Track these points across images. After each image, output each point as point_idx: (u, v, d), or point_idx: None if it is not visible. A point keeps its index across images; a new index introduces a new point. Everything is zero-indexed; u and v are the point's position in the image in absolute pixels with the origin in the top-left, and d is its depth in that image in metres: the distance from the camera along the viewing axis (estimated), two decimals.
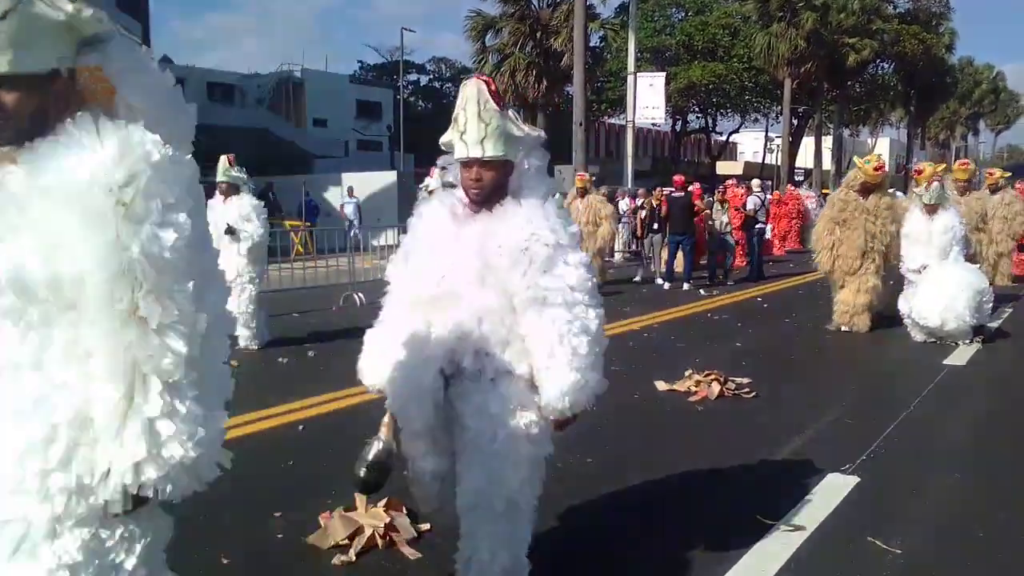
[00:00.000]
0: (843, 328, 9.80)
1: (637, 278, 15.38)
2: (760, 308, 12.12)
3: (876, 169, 10.04)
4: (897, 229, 9.52)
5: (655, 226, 15.30)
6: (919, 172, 11.21)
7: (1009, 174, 14.80)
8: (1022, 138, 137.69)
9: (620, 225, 17.87)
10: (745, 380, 7.02)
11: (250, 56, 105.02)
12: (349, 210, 23.16)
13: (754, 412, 6.35)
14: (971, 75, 78.62)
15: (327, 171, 32.28)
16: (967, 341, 8.92)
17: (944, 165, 12.88)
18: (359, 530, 3.84)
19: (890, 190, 10.74)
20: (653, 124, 37.31)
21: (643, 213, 16.19)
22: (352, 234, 14.55)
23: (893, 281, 9.95)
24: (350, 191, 23.87)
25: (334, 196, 26.02)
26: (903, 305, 9.25)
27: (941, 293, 8.79)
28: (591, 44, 32.52)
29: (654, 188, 16.28)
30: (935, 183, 9.26)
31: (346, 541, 3.79)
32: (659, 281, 14.90)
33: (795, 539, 3.93)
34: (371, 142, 50.07)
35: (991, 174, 14.35)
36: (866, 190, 9.92)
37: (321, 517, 4.00)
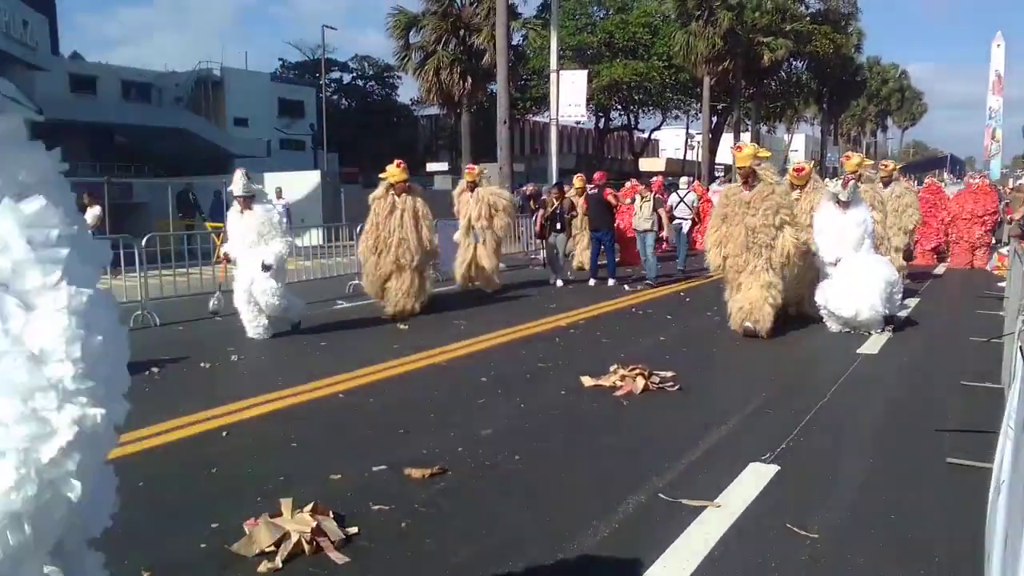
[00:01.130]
0: (747, 325, 9.27)
1: (555, 281, 14.49)
2: (683, 303, 12.36)
3: (796, 171, 10.61)
4: (781, 222, 9.19)
5: (558, 225, 14.41)
6: (847, 158, 12.01)
7: (901, 165, 15.25)
8: (927, 135, 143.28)
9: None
10: (669, 374, 7.15)
11: (165, 53, 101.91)
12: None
13: (678, 405, 6.47)
14: (879, 74, 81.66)
15: (249, 170, 31.58)
16: (879, 330, 9.26)
17: (871, 161, 13.45)
18: (285, 536, 3.78)
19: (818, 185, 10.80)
20: (576, 122, 37.63)
21: (543, 212, 15.02)
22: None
23: (795, 276, 9.98)
24: (279, 193, 22.41)
25: (273, 197, 25.47)
26: (819, 296, 9.54)
27: (855, 284, 9.11)
28: (514, 42, 32.68)
29: (554, 186, 15.34)
30: (851, 182, 9.61)
31: (272, 548, 3.73)
32: (558, 283, 14.34)
33: (718, 528, 4.02)
34: (294, 141, 49.27)
35: (885, 166, 14.28)
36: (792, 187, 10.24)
37: (246, 524, 3.93)
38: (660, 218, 14.38)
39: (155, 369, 7.76)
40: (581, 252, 16.98)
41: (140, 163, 36.06)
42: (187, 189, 22.42)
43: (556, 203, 14.34)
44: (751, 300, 9.19)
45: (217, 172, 30.98)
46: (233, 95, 46.14)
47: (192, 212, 21.76)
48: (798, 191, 10.36)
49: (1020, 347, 3.26)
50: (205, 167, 32.32)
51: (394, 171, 11.06)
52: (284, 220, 9.67)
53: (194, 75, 45.73)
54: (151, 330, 10.14)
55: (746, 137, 46.55)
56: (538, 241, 15.74)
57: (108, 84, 41.79)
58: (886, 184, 13.32)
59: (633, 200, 15.30)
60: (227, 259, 10.07)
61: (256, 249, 9.13)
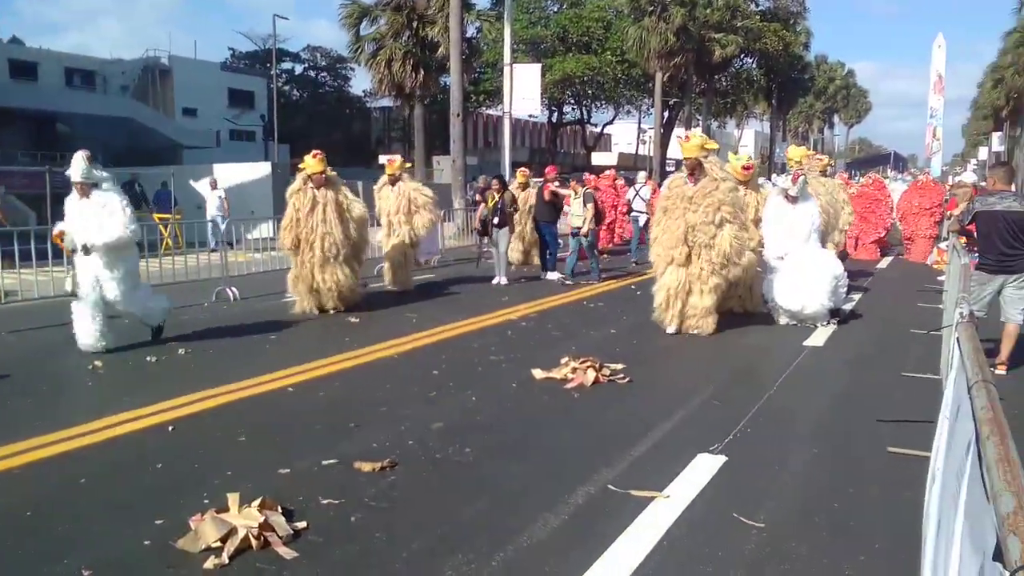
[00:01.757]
0: (691, 331, 8.94)
1: (497, 281, 13.68)
2: (634, 296, 12.45)
3: (744, 168, 10.24)
4: (721, 220, 8.78)
5: (496, 220, 13.64)
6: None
7: (827, 159, 15.35)
8: (872, 132, 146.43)
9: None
10: (619, 366, 7.21)
11: (111, 40, 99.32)
12: (212, 204, 21.10)
13: (627, 397, 6.53)
14: (826, 72, 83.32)
15: (198, 162, 31.03)
16: (825, 323, 9.45)
17: (815, 153, 13.50)
18: (232, 531, 3.74)
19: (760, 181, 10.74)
20: (530, 115, 37.73)
21: (483, 207, 14.12)
22: (223, 228, 13.84)
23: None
24: (213, 184, 21.79)
25: (205, 188, 25.07)
26: (767, 290, 9.70)
27: (802, 278, 9.28)
28: (467, 35, 32.50)
29: (493, 179, 14.45)
30: (801, 177, 9.77)
31: (218, 543, 3.68)
32: (503, 281, 13.60)
33: (666, 518, 4.08)
34: (244, 132, 48.53)
35: (819, 160, 13.97)
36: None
37: (192, 520, 3.87)
38: (598, 213, 13.98)
39: (98, 363, 7.59)
40: (526, 247, 16.47)
41: (85, 149, 35.13)
42: (133, 180, 21.91)
43: (498, 197, 13.70)
44: (697, 307, 8.92)
45: (165, 163, 30.40)
46: (182, 84, 45.26)
47: (138, 203, 21.30)
48: (743, 188, 10.07)
49: (957, 339, 3.35)
50: (153, 157, 31.67)
51: (311, 162, 10.52)
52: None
53: (141, 63, 44.76)
54: None
55: (697, 132, 47.07)
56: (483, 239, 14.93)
57: (50, 70, 40.68)
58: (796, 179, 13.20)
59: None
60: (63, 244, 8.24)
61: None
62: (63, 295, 11.00)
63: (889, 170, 45.35)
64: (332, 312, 10.45)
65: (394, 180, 12.80)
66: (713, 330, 8.95)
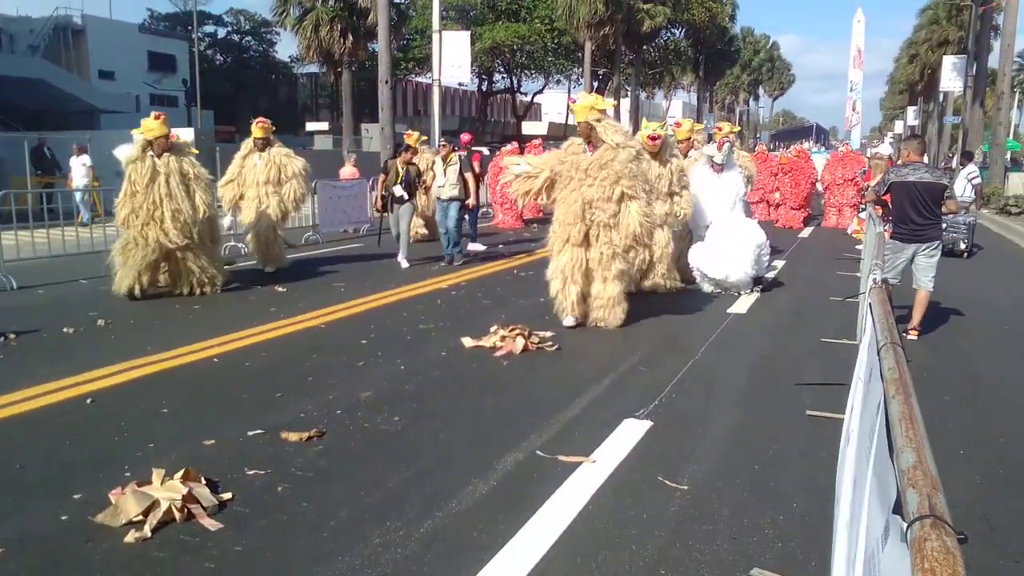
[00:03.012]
0: (597, 325, 7.91)
1: (400, 261, 11.95)
2: None
3: (651, 139, 9.28)
4: (622, 195, 7.54)
5: (404, 196, 11.89)
6: (719, 129, 11.80)
7: (738, 129, 14.77)
8: (795, 104, 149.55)
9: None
10: (548, 334, 7.27)
11: None
12: (78, 173, 18.45)
13: (556, 364, 6.60)
14: (751, 44, 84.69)
15: (116, 127, 29.89)
16: (748, 291, 9.68)
17: (740, 128, 13.31)
18: (154, 504, 3.66)
19: (675, 154, 9.95)
20: (460, 84, 37.35)
21: (383, 179, 12.37)
22: (82, 198, 12.67)
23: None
24: (80, 149, 19.00)
25: (124, 154, 24.19)
26: (692, 258, 9.87)
27: (726, 247, 9.47)
28: (396, 0, 31.97)
29: (404, 149, 12.54)
30: (726, 144, 9.92)
31: (140, 517, 3.60)
32: (403, 264, 11.85)
33: (593, 482, 4.14)
34: (166, 97, 46.94)
35: (719, 129, 12.74)
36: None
37: (112, 494, 3.78)
38: (466, 183, 12.19)
39: (11, 335, 7.30)
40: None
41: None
42: (41, 144, 20.97)
43: (404, 169, 11.93)
44: (602, 297, 7.79)
45: (81, 127, 29.20)
46: (97, 46, 43.47)
47: (51, 169, 20.46)
48: (654, 160, 9.25)
49: (870, 305, 3.46)
50: (67, 121, 30.42)
51: (150, 124, 9.08)
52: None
53: (51, 21, 42.77)
54: (7, 294, 9.54)
55: (626, 103, 47.43)
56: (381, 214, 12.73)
57: None
58: (685, 153, 11.04)
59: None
60: None
61: None
62: None
63: (811, 142, 46.46)
64: (186, 292, 9.37)
65: (264, 145, 11.37)
66: (621, 322, 7.84)
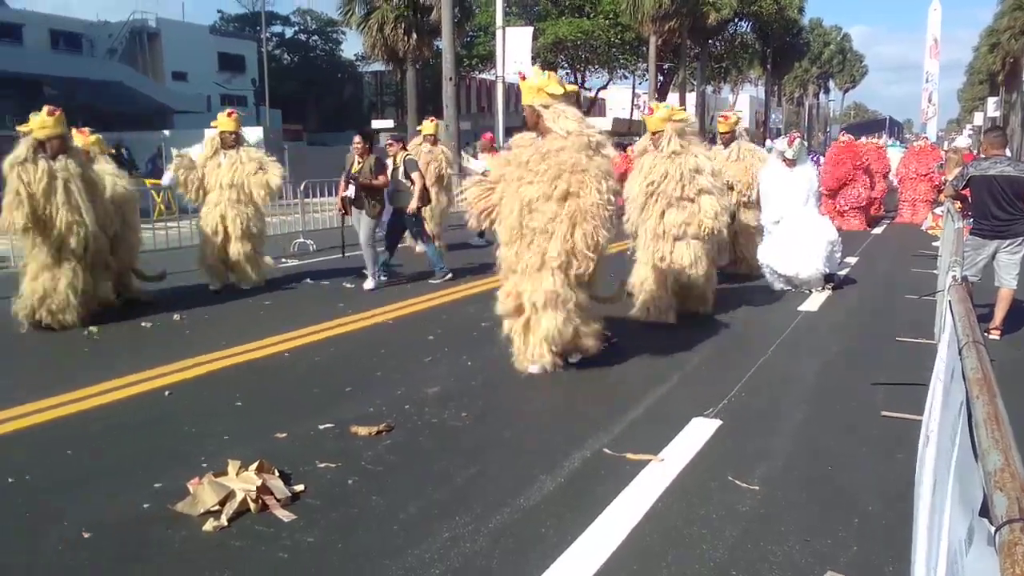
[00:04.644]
0: (529, 368, 6.04)
1: (368, 282, 9.95)
2: (630, 261, 12.44)
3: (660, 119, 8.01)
4: (564, 194, 5.71)
5: (348, 195, 9.69)
6: (724, 118, 11.04)
7: (844, 126, 13.96)
8: (867, 97, 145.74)
9: None
10: (608, 332, 7.17)
11: (96, 3, 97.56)
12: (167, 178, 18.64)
13: (623, 362, 6.54)
14: (821, 36, 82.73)
15: (188, 127, 30.78)
16: (819, 288, 9.47)
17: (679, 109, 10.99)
18: (230, 495, 3.76)
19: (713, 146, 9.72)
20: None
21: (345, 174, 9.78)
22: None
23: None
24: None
25: (197, 153, 24.89)
26: (762, 255, 9.71)
27: (797, 243, 9.28)
28: None
29: (394, 138, 11.14)
30: (797, 139, 9.73)
31: (217, 507, 3.70)
32: (368, 285, 9.88)
33: (661, 481, 4.11)
34: (235, 97, 48.01)
35: (724, 119, 11.08)
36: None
37: (190, 484, 3.89)
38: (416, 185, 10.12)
39: (93, 329, 7.57)
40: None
41: (72, 116, 34.88)
42: (118, 144, 21.67)
43: (361, 163, 9.70)
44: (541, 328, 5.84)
45: (156, 127, 30.13)
46: (170, 48, 44.69)
47: (126, 168, 21.11)
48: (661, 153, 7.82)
49: (949, 302, 3.36)
50: (142, 122, 31.37)
51: (43, 121, 7.49)
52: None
53: (128, 25, 44.14)
54: None
55: (691, 97, 46.85)
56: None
57: (35, 32, 40.09)
58: (727, 144, 10.56)
59: None
60: None
61: None
62: None
63: (885, 136, 45.22)
64: (85, 330, 7.62)
65: (233, 142, 9.74)
66: (544, 367, 5.97)
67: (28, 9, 42.29)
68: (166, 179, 10.04)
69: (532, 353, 5.95)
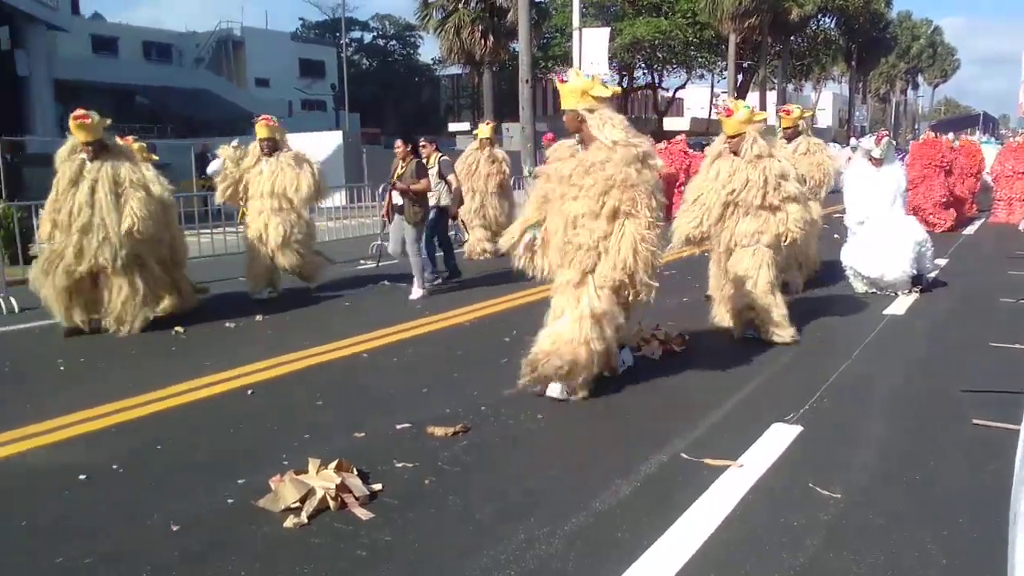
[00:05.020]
0: (551, 392, 5.48)
1: (414, 292, 9.52)
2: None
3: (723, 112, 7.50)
4: (612, 209, 5.36)
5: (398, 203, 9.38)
6: (787, 112, 10.23)
7: (810, 113, 11.59)
8: (959, 92, 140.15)
9: None
10: (675, 334, 7.05)
11: (185, 14, 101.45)
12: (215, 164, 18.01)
13: (700, 365, 6.44)
14: (909, 30, 80.00)
15: None
16: (906, 291, 9.16)
17: (811, 112, 11.26)
18: (310, 492, 3.83)
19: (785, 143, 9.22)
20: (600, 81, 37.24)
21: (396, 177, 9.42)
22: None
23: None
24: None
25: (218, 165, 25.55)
26: (845, 256, 9.45)
27: (883, 244, 9.00)
28: None
29: (431, 140, 10.71)
30: (885, 138, 9.44)
31: (297, 504, 3.78)
32: (415, 294, 9.46)
33: (740, 487, 4.03)
34: (315, 102, 49.20)
35: (787, 113, 10.29)
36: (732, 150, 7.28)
37: (272, 481, 3.99)
38: (450, 188, 10.35)
39: (180, 329, 7.84)
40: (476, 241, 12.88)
41: (162, 124, 36.22)
42: (204, 150, 22.38)
43: (401, 167, 9.38)
44: (558, 339, 5.40)
45: (240, 133, 31.02)
46: (254, 55, 46.09)
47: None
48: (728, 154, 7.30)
49: None
50: (227, 128, 32.35)
51: (72, 127, 7.52)
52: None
53: (215, 35, 45.67)
54: None
55: (772, 96, 45.93)
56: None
57: (129, 45, 41.86)
58: (789, 140, 9.88)
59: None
60: None
61: None
62: None
63: (978, 132, 43.45)
64: (117, 331, 7.72)
65: (270, 149, 9.55)
66: (589, 384, 5.49)
67: (123, 23, 44.17)
68: (214, 165, 9.78)
69: (551, 371, 5.36)
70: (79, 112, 7.54)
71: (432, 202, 9.94)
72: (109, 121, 7.82)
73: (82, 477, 4.27)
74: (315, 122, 41.37)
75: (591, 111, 5.51)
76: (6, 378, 6.53)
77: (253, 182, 9.48)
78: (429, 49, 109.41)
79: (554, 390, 5.44)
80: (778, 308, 7.11)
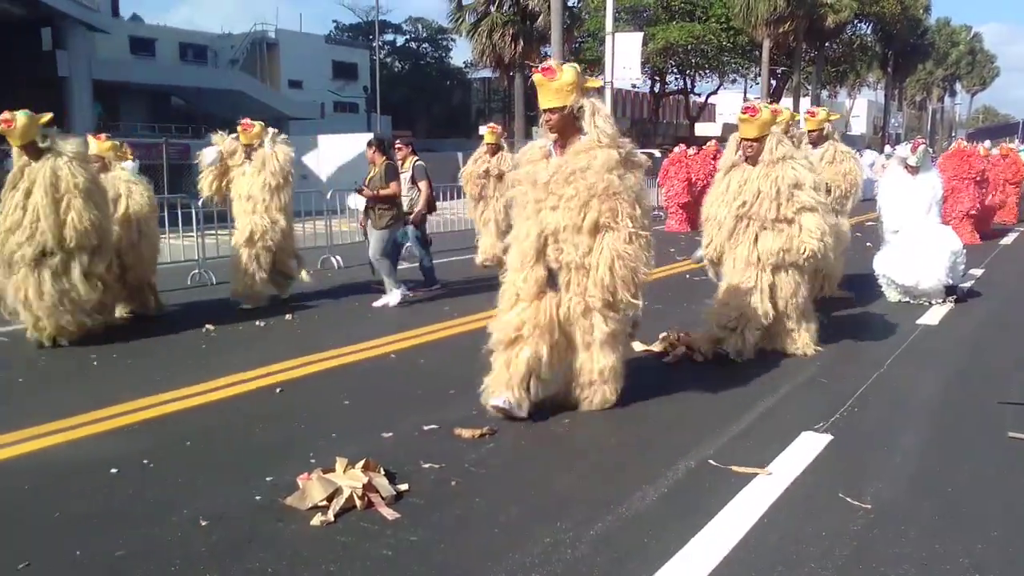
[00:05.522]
0: (582, 406, 5.35)
1: (387, 299, 9.11)
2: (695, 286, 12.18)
3: (745, 111, 6.83)
4: (593, 221, 4.94)
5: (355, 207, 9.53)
6: (812, 115, 9.47)
7: (837, 116, 10.73)
8: (998, 100, 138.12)
9: None
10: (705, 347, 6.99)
11: (221, 15, 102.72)
12: (211, 152, 16.97)
13: (729, 372, 6.39)
14: (948, 36, 78.88)
15: (303, 133, 31.93)
16: (940, 300, 9.03)
17: (839, 115, 10.09)
18: (337, 491, 3.85)
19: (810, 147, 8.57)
20: (632, 85, 37.18)
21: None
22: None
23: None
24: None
25: (310, 159, 25.79)
26: (879, 265, 9.33)
27: (918, 252, 8.88)
28: (568, 3, 32.21)
29: (408, 142, 10.50)
30: (921, 146, 9.31)
31: (324, 502, 3.80)
32: (389, 301, 9.06)
33: (769, 495, 3.99)
34: (347, 104, 49.53)
35: (812, 115, 9.55)
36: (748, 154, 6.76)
37: (299, 478, 4.01)
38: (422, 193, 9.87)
39: (210, 327, 7.92)
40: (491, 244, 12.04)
41: (197, 124, 36.68)
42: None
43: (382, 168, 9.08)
44: (588, 371, 5.23)
45: None
46: (288, 57, 46.51)
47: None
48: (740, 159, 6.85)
49: None
50: None
51: (21, 121, 7.02)
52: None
53: (250, 37, 46.16)
54: (207, 289, 10.38)
55: (806, 102, 45.52)
56: None
57: (166, 46, 42.44)
58: (815, 144, 9.12)
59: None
60: None
61: None
62: (181, 260, 11.57)
63: (1017, 140, 42.79)
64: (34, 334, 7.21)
65: (249, 151, 9.18)
66: (610, 403, 5.31)
67: (161, 24, 44.80)
68: (209, 155, 9.19)
69: (585, 393, 5.28)
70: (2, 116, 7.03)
71: (405, 207, 9.56)
72: (46, 118, 7.23)
73: (113, 471, 4.33)
74: (347, 124, 41.70)
75: (578, 107, 4.96)
76: (38, 373, 6.64)
77: (235, 183, 9.20)
78: (461, 52, 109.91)
79: (498, 400, 5.05)
80: (804, 328, 6.89)
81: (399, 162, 9.70)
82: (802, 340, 6.89)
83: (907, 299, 9.11)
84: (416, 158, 10.07)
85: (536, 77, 4.93)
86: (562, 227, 4.96)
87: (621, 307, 5.06)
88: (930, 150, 9.62)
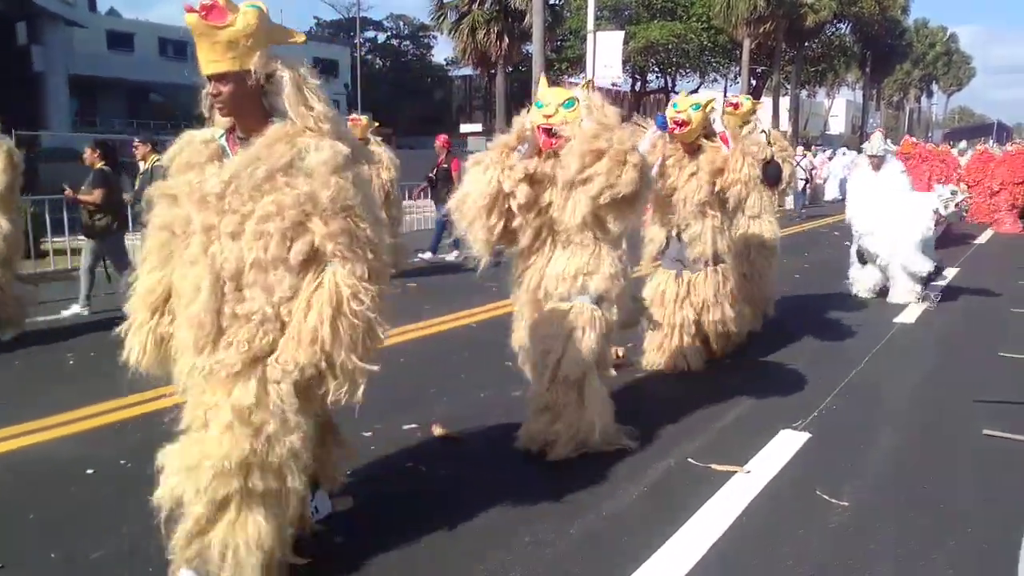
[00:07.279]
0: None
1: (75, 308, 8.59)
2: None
3: (677, 124, 5.95)
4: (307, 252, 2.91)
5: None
6: (737, 106, 7.60)
7: (761, 104, 9.43)
8: (974, 100, 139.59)
9: None
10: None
11: None
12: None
13: (709, 371, 6.42)
14: (925, 37, 79.56)
15: None
16: (916, 299, 9.08)
17: (762, 104, 8.95)
18: None
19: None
20: (613, 84, 37.20)
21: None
22: None
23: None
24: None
25: None
26: (854, 255, 9.46)
27: (895, 224, 8.93)
28: (551, 1, 32.23)
29: (146, 140, 9.54)
30: (877, 132, 9.39)
31: None
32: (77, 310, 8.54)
33: (747, 493, 4.02)
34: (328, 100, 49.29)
35: (736, 105, 7.61)
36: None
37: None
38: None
39: None
40: None
41: (176, 121, 36.35)
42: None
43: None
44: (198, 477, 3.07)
45: None
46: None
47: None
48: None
49: None
50: None
51: None
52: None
53: None
54: None
55: (785, 101, 45.83)
56: None
57: (145, 41, 42.04)
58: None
59: None
60: None
61: None
62: None
63: (991, 141, 43.25)
64: None
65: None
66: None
67: (139, 19, 44.39)
68: None
69: None
70: None
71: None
72: None
73: (89, 472, 4.29)
74: None
75: (277, 74, 2.98)
76: (14, 372, 6.57)
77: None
78: (443, 50, 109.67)
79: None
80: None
81: (140, 161, 8.94)
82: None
83: (874, 295, 9.24)
84: (157, 158, 7.86)
85: (190, 19, 2.91)
86: (249, 264, 2.93)
87: (336, 381, 3.14)
88: (888, 141, 9.67)
